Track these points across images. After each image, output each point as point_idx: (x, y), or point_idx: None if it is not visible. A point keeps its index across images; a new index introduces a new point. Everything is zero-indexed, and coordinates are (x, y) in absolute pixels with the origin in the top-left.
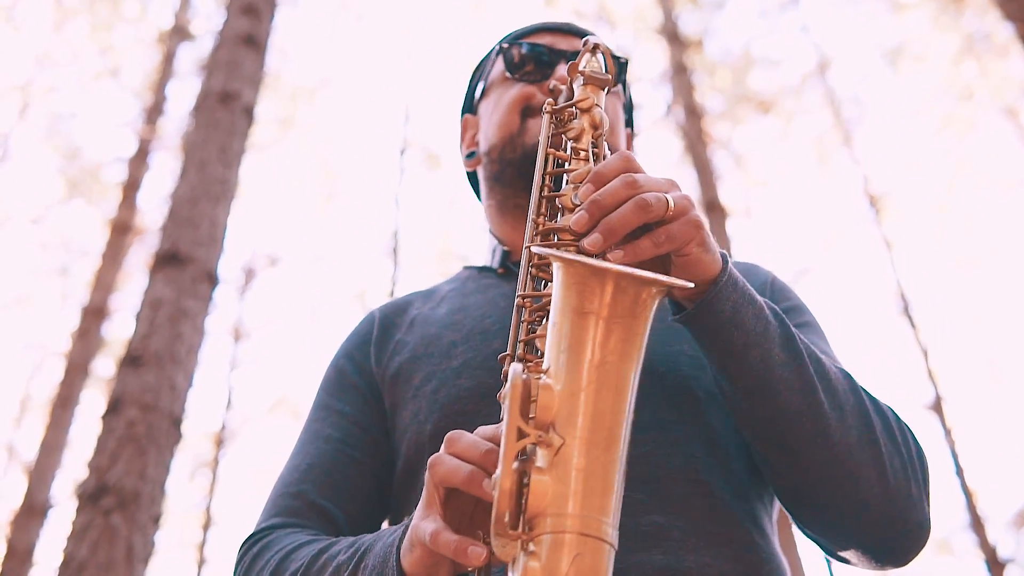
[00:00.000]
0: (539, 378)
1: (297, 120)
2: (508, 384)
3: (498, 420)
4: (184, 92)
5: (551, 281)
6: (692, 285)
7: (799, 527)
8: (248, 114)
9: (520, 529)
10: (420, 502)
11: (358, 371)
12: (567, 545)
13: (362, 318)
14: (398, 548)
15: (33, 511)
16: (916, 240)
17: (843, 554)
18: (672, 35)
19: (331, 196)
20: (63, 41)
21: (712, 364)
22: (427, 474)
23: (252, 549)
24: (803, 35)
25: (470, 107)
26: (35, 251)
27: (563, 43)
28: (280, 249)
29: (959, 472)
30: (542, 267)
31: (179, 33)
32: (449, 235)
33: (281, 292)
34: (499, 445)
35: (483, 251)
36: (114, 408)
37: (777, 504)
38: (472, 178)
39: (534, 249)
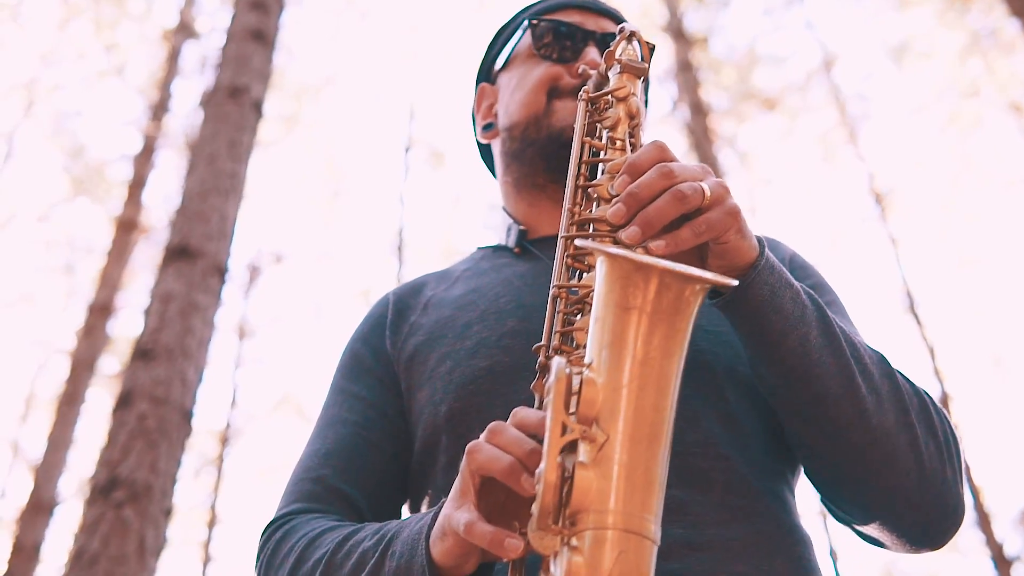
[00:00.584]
0: (582, 372)
1: (302, 118)
2: (552, 377)
3: (515, 399)
4: (189, 90)
5: (586, 271)
6: (736, 283)
7: (830, 509)
8: (257, 109)
9: (562, 524)
10: (453, 490)
11: (374, 354)
12: (610, 541)
13: (377, 300)
14: (427, 536)
15: (40, 508)
16: (922, 237)
17: (876, 536)
18: (678, 32)
19: (336, 194)
20: (68, 39)
21: (749, 349)
22: (464, 461)
23: (275, 535)
24: (808, 32)
25: (487, 76)
26: (40, 249)
27: (591, 23)
28: (285, 247)
29: (966, 469)
30: (577, 257)
31: (184, 30)
32: (454, 233)
33: (286, 290)
34: (542, 441)
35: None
36: (125, 401)
37: (796, 482)
38: (483, 150)
39: (579, 243)
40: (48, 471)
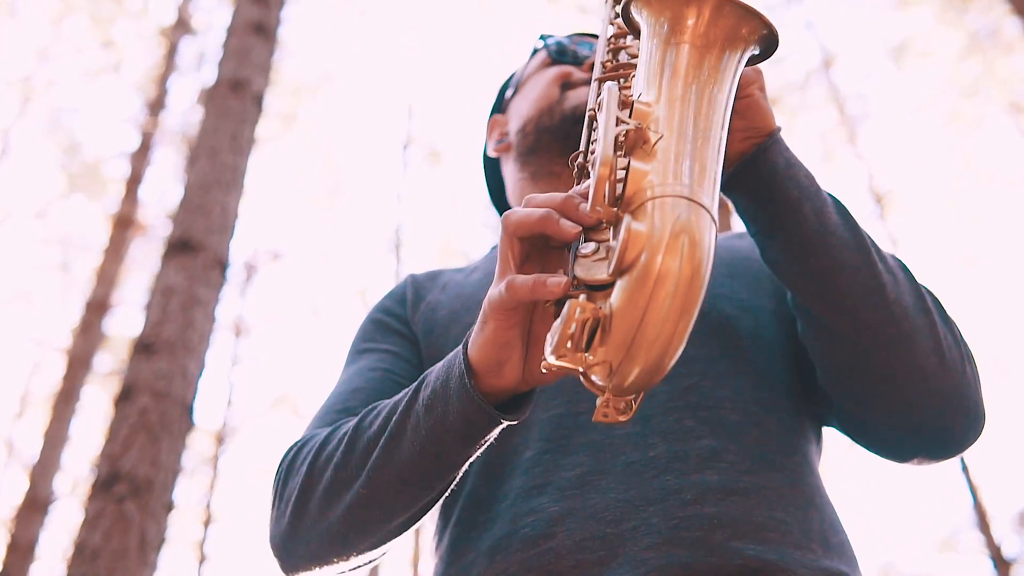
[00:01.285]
0: (632, 95)
1: (300, 115)
2: (604, 93)
3: None
4: (186, 86)
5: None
6: (777, 32)
7: (847, 422)
8: (258, 102)
9: (618, 208)
10: (495, 275)
11: (397, 319)
12: (670, 207)
13: (398, 283)
14: (466, 343)
15: (35, 505)
16: (921, 237)
17: (899, 439)
18: None
19: (334, 192)
20: (64, 35)
21: (761, 223)
22: (500, 232)
23: (295, 447)
24: (807, 31)
25: (499, 110)
26: (36, 246)
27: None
28: (282, 244)
29: (965, 470)
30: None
31: (181, 27)
32: (451, 231)
33: (283, 288)
34: (579, 194)
35: (484, 247)
36: (126, 395)
37: (819, 455)
38: (488, 170)
39: (619, 8)
40: (44, 469)
